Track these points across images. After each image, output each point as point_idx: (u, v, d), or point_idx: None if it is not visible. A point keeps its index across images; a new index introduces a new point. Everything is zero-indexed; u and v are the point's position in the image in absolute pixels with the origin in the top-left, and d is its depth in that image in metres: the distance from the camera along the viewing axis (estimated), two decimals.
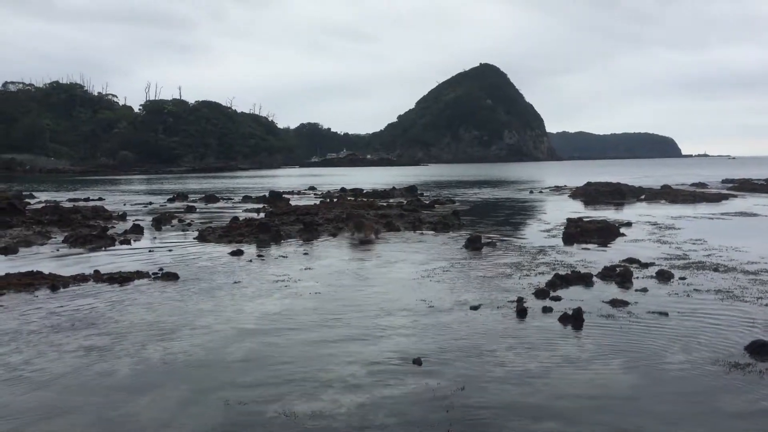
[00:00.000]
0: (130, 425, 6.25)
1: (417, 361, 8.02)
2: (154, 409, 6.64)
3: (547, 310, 10.66)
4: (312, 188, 55.25)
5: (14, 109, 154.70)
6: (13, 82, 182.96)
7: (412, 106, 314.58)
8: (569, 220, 22.63)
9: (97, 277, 13.70)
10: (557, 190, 49.11)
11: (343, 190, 48.22)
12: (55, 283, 12.90)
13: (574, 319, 9.94)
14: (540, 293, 11.85)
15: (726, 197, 36.49)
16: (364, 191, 44.88)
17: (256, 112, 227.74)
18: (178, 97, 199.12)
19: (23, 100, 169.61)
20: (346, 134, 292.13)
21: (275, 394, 7.01)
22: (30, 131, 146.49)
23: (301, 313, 10.63)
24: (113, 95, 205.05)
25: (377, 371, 7.74)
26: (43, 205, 34.68)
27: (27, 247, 18.85)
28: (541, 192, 48.07)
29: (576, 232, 20.02)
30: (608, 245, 18.38)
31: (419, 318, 10.25)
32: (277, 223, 22.99)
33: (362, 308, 10.90)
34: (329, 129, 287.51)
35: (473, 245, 17.79)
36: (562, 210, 30.79)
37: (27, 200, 37.58)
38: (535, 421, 6.34)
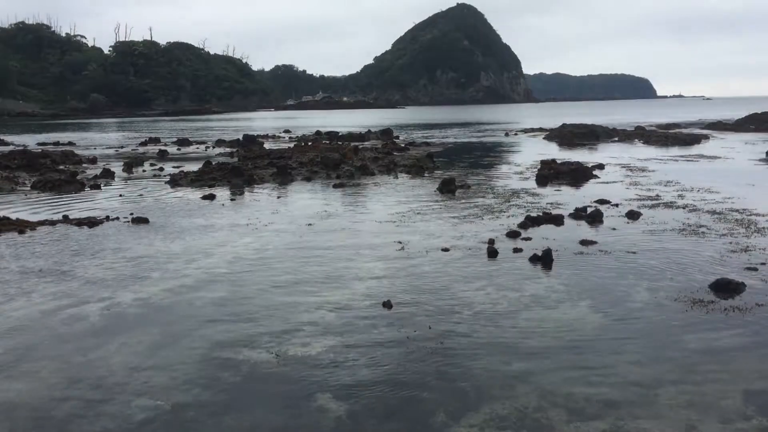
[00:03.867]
0: (99, 370, 6.23)
1: (387, 304, 8.07)
2: (123, 354, 6.63)
3: (517, 250, 10.75)
4: (287, 131, 54.65)
5: None
6: None
7: (388, 47, 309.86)
8: (543, 162, 22.68)
9: (66, 222, 13.51)
10: (532, 132, 49.08)
11: (318, 133, 47.74)
12: (22, 228, 12.71)
13: (544, 260, 10.04)
14: (511, 234, 11.93)
15: (698, 139, 36.73)
16: (340, 134, 44.48)
17: (230, 54, 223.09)
18: (149, 39, 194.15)
19: None
20: (322, 76, 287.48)
21: (245, 338, 7.03)
22: None
23: (273, 256, 10.61)
24: (82, 36, 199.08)
25: (348, 314, 7.78)
26: (11, 149, 33.97)
27: None
28: (516, 134, 48.02)
29: (549, 174, 20.11)
30: (580, 187, 18.51)
31: (391, 261, 10.28)
32: (251, 167, 22.77)
33: (334, 251, 10.91)
34: (305, 71, 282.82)
35: (447, 188, 17.79)
36: (536, 152, 30.83)
37: (0, 147, 36.69)
38: (503, 362, 6.43)
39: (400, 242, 11.50)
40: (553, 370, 6.25)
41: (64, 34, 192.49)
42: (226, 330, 7.31)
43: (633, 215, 13.51)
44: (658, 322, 7.51)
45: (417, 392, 5.82)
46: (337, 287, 8.90)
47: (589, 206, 14.41)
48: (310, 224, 13.24)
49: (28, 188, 19.56)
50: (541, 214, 13.59)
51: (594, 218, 13.20)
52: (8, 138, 45.29)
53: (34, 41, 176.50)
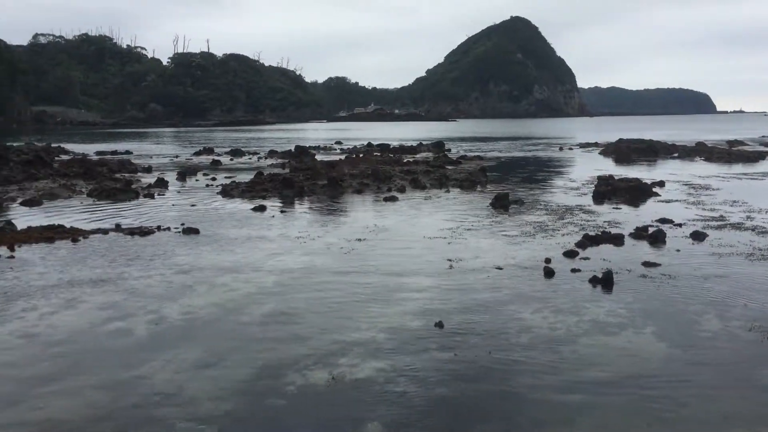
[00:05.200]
0: (142, 388, 6.07)
1: (439, 325, 7.74)
2: (168, 371, 6.46)
3: (575, 271, 10.30)
4: (338, 143, 54.85)
5: (45, 62, 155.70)
6: (43, 34, 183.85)
7: (441, 60, 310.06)
8: (599, 178, 22.03)
9: (118, 230, 13.60)
10: (588, 147, 48.09)
11: (369, 145, 47.72)
12: (75, 236, 12.82)
13: (604, 282, 9.58)
14: (569, 254, 11.47)
15: (763, 156, 35.34)
16: (391, 146, 44.35)
17: (284, 66, 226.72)
18: (206, 50, 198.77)
19: (53, 53, 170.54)
20: (374, 88, 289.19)
21: (292, 359, 6.78)
22: (61, 83, 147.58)
23: (322, 271, 10.39)
24: (142, 48, 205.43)
25: (398, 334, 7.48)
26: (71, 157, 34.88)
27: (51, 200, 18.87)
28: (570, 149, 47.11)
29: (606, 190, 19.47)
30: (640, 205, 17.83)
31: (443, 278, 9.95)
32: (302, 179, 22.72)
33: (384, 267, 10.62)
34: (357, 83, 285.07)
35: (500, 203, 17.36)
36: (592, 168, 30.09)
37: (61, 155, 37.58)
38: (562, 392, 6.04)
39: (453, 259, 11.15)
40: (616, 403, 5.85)
41: (125, 46, 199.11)
42: (272, 348, 7.08)
43: (698, 236, 12.86)
44: (730, 353, 6.99)
45: (470, 424, 5.48)
46: (388, 305, 8.61)
47: (650, 225, 13.82)
48: (359, 239, 13.00)
49: (85, 195, 19.88)
50: (599, 232, 13.07)
51: (656, 238, 12.60)
52: (69, 146, 46.47)
53: (97, 52, 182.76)
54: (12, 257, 11.24)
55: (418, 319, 8.01)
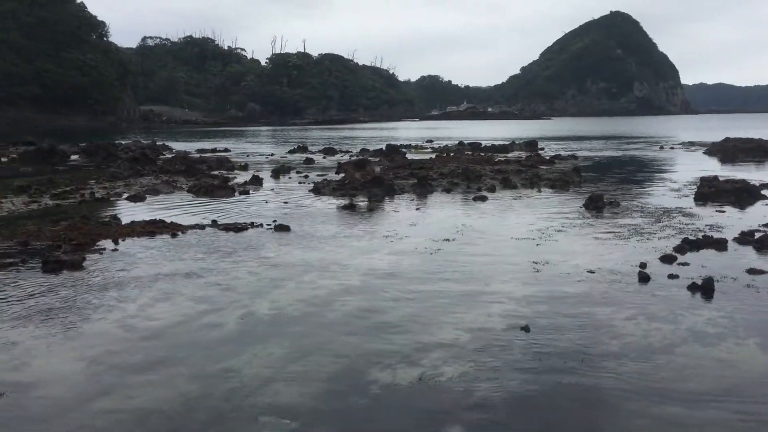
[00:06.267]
0: (230, 381, 6.23)
1: (526, 329, 7.57)
2: (255, 366, 6.61)
3: (673, 277, 9.84)
4: (429, 141, 54.79)
5: (152, 63, 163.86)
6: (151, 37, 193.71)
7: (535, 57, 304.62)
8: (703, 179, 20.97)
9: (214, 226, 14.07)
10: (691, 146, 45.97)
11: (460, 143, 47.44)
12: (174, 231, 13.36)
13: (704, 289, 9.09)
14: (666, 258, 10.96)
15: None
16: (482, 145, 43.91)
17: (377, 65, 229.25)
18: (303, 51, 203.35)
19: (160, 54, 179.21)
20: (466, 87, 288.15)
21: (375, 357, 6.79)
22: (166, 84, 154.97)
23: (408, 270, 10.38)
24: (241, 49, 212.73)
25: (482, 337, 7.36)
26: (173, 155, 36.48)
27: (154, 196, 19.76)
28: (672, 148, 45.18)
29: (710, 192, 18.52)
30: (746, 208, 16.84)
31: (531, 281, 9.73)
32: (391, 177, 22.81)
33: (471, 268, 10.50)
34: (450, 82, 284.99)
35: (594, 204, 16.83)
36: (694, 168, 28.73)
37: (165, 152, 39.32)
38: (655, 403, 5.76)
39: (542, 261, 10.88)
40: (712, 418, 5.54)
41: (226, 47, 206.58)
42: (356, 346, 7.12)
43: None
44: None
45: None
46: (472, 306, 8.50)
47: (757, 230, 13.03)
48: (447, 239, 12.90)
49: (185, 192, 20.72)
50: (700, 236, 12.45)
51: (763, 244, 11.86)
52: (173, 144, 48.62)
53: (200, 54, 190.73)
54: (116, 250, 11.83)
55: (504, 322, 7.86)
